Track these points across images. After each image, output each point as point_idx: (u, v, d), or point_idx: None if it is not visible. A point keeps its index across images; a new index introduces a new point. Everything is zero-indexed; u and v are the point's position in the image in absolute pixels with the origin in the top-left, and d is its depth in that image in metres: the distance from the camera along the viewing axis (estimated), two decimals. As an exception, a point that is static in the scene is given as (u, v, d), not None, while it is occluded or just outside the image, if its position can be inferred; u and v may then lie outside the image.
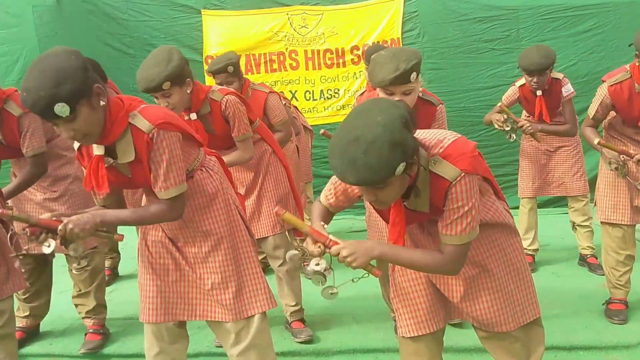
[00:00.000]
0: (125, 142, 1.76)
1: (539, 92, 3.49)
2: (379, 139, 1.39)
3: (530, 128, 3.47)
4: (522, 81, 3.61)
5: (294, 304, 3.00)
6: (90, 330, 2.95)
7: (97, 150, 1.77)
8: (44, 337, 3.07)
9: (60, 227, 1.70)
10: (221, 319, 2.00)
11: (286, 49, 5.37)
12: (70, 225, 1.70)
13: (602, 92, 2.85)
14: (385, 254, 1.63)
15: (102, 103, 1.68)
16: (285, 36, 5.35)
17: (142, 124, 1.74)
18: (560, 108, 3.59)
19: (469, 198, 1.55)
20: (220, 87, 2.75)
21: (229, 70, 3.09)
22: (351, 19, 5.30)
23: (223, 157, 2.56)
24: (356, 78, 5.35)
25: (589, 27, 5.12)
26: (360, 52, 5.31)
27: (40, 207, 2.89)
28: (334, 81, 5.39)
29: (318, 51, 5.35)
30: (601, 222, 3.01)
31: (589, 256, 3.79)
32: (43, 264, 2.98)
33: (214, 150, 2.20)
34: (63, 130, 1.66)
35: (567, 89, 3.54)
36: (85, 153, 1.86)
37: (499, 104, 3.61)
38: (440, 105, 2.50)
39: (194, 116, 2.58)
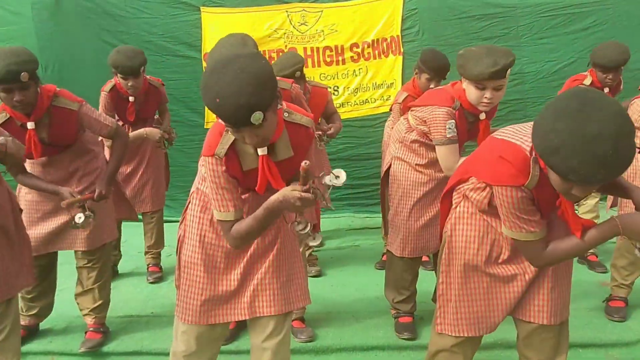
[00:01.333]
0: (284, 140, 1.75)
1: (606, 89, 3.43)
2: (624, 130, 1.34)
3: None
4: (589, 80, 3.49)
5: None
6: (91, 329, 2.95)
7: (262, 150, 1.71)
8: (44, 335, 3.06)
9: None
10: (269, 312, 1.92)
11: (285, 46, 5.35)
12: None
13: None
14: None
15: (279, 107, 1.65)
16: (285, 33, 5.33)
17: (304, 120, 1.77)
18: None
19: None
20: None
21: (296, 75, 3.16)
22: (350, 16, 5.29)
23: None
24: (355, 75, 5.34)
25: (588, 24, 5.12)
26: (359, 50, 5.30)
27: (54, 205, 2.85)
28: (334, 78, 5.38)
29: (317, 48, 5.33)
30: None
31: (589, 254, 3.80)
32: (50, 266, 2.97)
33: None
34: (247, 136, 1.61)
35: (622, 86, 3.56)
36: (234, 156, 1.76)
37: None
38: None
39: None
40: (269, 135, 1.66)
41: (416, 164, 2.77)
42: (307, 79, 3.50)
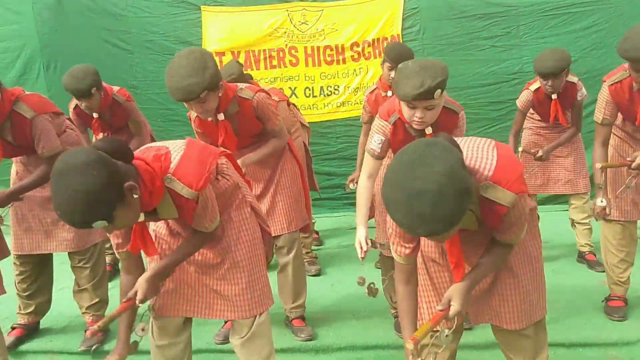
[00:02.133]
0: (167, 204, 1.78)
1: (554, 96, 3.47)
2: (445, 190, 1.33)
3: (544, 157, 3.59)
4: (536, 85, 3.56)
5: (298, 302, 3.00)
6: (90, 327, 2.95)
7: (141, 217, 1.76)
8: (44, 334, 3.07)
9: (137, 303, 1.85)
10: (232, 317, 2.05)
11: (286, 45, 5.35)
12: (147, 296, 1.84)
13: (604, 94, 2.80)
14: (474, 284, 1.70)
15: (135, 196, 1.63)
16: (285, 32, 5.33)
17: (184, 191, 1.75)
18: (569, 109, 3.60)
19: (524, 211, 1.62)
20: (247, 84, 2.73)
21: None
22: (351, 15, 5.29)
23: (260, 150, 2.68)
24: (356, 75, 5.34)
25: (590, 23, 5.11)
26: (360, 49, 5.30)
27: (40, 206, 2.88)
28: (334, 78, 5.38)
29: (318, 47, 5.33)
30: (604, 220, 3.01)
31: (587, 253, 3.80)
32: (43, 262, 2.98)
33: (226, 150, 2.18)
34: (108, 229, 1.66)
35: (582, 94, 3.55)
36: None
37: (521, 150, 3.65)
38: (462, 112, 2.44)
39: (221, 117, 2.53)
40: (127, 224, 1.70)
41: (387, 164, 2.77)
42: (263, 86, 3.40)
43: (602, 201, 2.81)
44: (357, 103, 5.34)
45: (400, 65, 2.22)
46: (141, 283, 1.83)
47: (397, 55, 3.15)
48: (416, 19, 5.22)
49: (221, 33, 5.34)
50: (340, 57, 5.33)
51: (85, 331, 2.95)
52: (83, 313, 2.99)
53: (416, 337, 1.56)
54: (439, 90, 2.08)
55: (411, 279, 1.81)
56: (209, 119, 2.52)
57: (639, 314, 3.01)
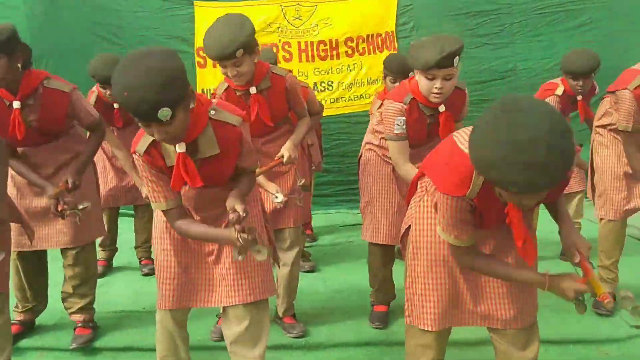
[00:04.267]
0: (208, 137, 1.78)
1: (579, 97, 3.44)
2: (556, 130, 1.30)
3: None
4: (561, 89, 3.46)
5: (290, 299, 3.00)
6: (79, 325, 2.93)
7: (180, 147, 1.74)
8: (35, 331, 3.04)
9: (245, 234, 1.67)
10: (237, 302, 2.00)
11: (279, 40, 5.33)
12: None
13: (628, 100, 2.76)
14: None
15: (191, 105, 1.67)
16: (279, 28, 5.31)
17: (232, 119, 1.79)
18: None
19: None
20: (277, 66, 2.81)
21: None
22: (345, 11, 5.27)
23: (298, 130, 2.74)
24: (350, 70, 5.33)
25: (583, 21, 5.13)
26: (354, 44, 5.29)
27: (40, 200, 2.83)
28: (328, 73, 5.37)
29: (312, 43, 5.32)
30: (601, 220, 3.04)
31: None
32: (40, 259, 2.95)
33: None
34: (156, 131, 1.64)
35: (597, 91, 3.56)
36: (156, 153, 1.81)
37: None
38: (466, 88, 2.54)
39: (253, 90, 2.57)
40: (178, 133, 1.68)
41: (383, 154, 2.82)
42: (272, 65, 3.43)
43: None
44: (351, 99, 5.33)
45: (413, 42, 2.30)
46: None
47: (398, 66, 3.19)
48: (410, 16, 5.22)
49: (214, 28, 5.32)
50: (334, 53, 5.32)
51: (75, 329, 2.93)
52: (72, 312, 2.96)
53: (607, 294, 1.59)
54: (457, 58, 2.15)
55: (479, 251, 1.78)
56: (238, 93, 2.56)
57: (630, 311, 3.03)
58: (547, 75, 5.08)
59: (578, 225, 3.82)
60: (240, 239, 1.66)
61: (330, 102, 5.39)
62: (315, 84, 5.38)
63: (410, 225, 1.94)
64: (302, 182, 2.80)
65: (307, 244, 4.37)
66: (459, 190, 1.61)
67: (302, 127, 2.77)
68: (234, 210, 1.69)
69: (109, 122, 3.59)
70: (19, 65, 2.54)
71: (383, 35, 5.25)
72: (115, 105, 3.55)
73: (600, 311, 3.00)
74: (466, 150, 1.54)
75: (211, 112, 1.78)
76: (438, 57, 2.11)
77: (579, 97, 3.44)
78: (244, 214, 1.68)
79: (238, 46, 2.33)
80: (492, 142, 1.35)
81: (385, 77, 3.39)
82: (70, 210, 2.48)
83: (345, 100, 5.36)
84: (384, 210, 2.86)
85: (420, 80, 2.26)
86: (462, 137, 1.67)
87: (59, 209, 2.48)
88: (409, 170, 2.43)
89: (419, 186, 1.93)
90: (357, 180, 4.90)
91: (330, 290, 3.55)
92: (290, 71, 2.74)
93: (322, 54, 5.33)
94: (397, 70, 3.14)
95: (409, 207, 1.98)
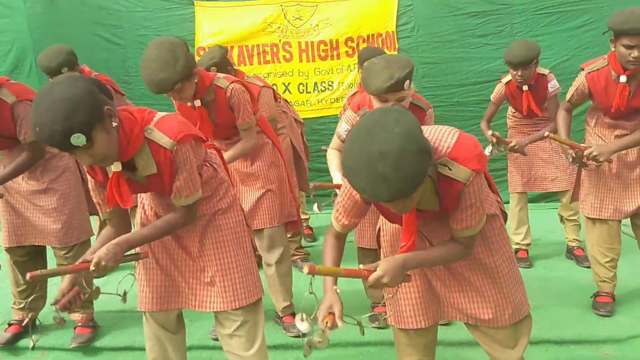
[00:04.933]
0: (145, 156, 1.77)
1: (525, 87, 3.51)
2: (406, 149, 1.34)
3: (517, 147, 3.56)
4: (508, 77, 3.63)
5: (285, 300, 3.00)
6: (79, 324, 2.94)
7: (115, 167, 1.76)
8: (35, 330, 3.04)
9: (92, 267, 1.72)
10: (218, 309, 2.03)
11: (280, 40, 5.33)
12: (102, 263, 1.72)
13: (579, 80, 2.87)
14: (412, 263, 1.65)
15: (114, 124, 1.66)
16: (279, 27, 5.31)
17: (163, 140, 1.76)
18: (545, 104, 3.61)
19: (480, 195, 1.59)
20: (225, 74, 2.74)
21: (211, 71, 3.04)
22: (345, 11, 5.27)
23: (227, 152, 2.63)
24: (350, 70, 5.33)
25: (583, 22, 5.12)
26: (354, 44, 5.29)
27: (26, 199, 2.85)
28: (328, 73, 5.37)
29: (312, 43, 5.32)
30: (587, 218, 3.03)
31: (575, 248, 3.84)
32: (38, 257, 2.96)
33: (213, 143, 2.19)
34: (81, 157, 1.65)
35: (553, 85, 3.57)
36: (98, 168, 1.84)
37: (491, 133, 3.60)
38: (430, 109, 2.57)
39: (198, 103, 2.57)
40: (106, 155, 1.68)
41: None
42: (246, 75, 3.42)
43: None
44: (351, 100, 5.33)
45: (365, 64, 2.30)
46: (102, 249, 1.75)
47: (370, 57, 3.18)
48: (410, 16, 5.22)
49: (214, 28, 5.32)
50: (335, 53, 5.32)
51: (75, 328, 2.94)
52: (70, 313, 2.96)
53: (315, 266, 1.58)
54: (407, 81, 2.17)
55: (342, 237, 1.82)
56: (188, 104, 2.58)
57: (629, 311, 3.03)
58: (547, 76, 5.11)
59: (576, 223, 3.82)
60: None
61: (331, 102, 5.39)
62: (315, 83, 5.38)
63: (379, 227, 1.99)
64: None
65: (306, 244, 4.37)
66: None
67: (232, 151, 2.69)
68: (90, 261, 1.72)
69: None
70: None
71: (383, 35, 5.25)
72: None
73: (599, 312, 3.00)
74: None
75: (147, 131, 1.76)
76: (387, 84, 2.14)
77: (525, 88, 3.51)
78: (92, 268, 1.71)
79: (174, 82, 2.32)
80: (350, 150, 1.42)
81: (359, 69, 3.41)
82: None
83: (343, 107, 5.35)
84: (369, 213, 2.84)
85: (373, 101, 2.31)
86: None
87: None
88: (331, 155, 2.65)
89: None
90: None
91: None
92: (237, 81, 2.66)
93: (323, 54, 5.33)
94: None
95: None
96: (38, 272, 1.72)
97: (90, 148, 1.61)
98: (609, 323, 2.93)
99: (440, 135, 1.59)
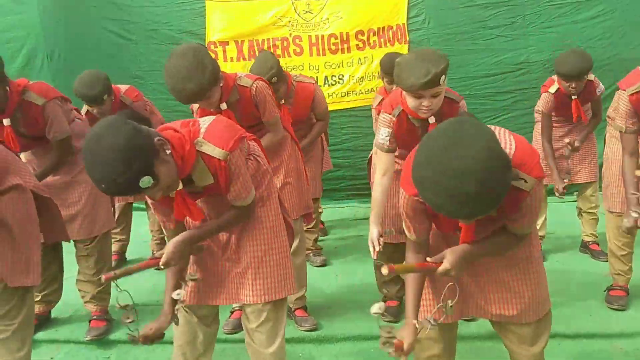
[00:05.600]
0: (200, 169, 1.79)
1: (574, 96, 3.46)
2: (490, 167, 1.29)
3: (578, 146, 3.55)
4: (555, 87, 3.53)
5: (300, 292, 3.01)
6: (94, 317, 2.97)
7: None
8: (50, 323, 3.08)
9: (161, 265, 1.82)
10: (248, 301, 2.02)
11: (290, 34, 5.32)
12: (172, 261, 1.83)
13: (623, 102, 2.64)
14: (473, 254, 1.66)
15: (167, 152, 1.66)
16: (289, 21, 5.30)
17: (216, 152, 1.78)
18: (587, 105, 3.61)
19: (540, 198, 1.62)
20: (245, 73, 2.75)
21: (273, 81, 3.08)
22: (356, 3, 5.24)
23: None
24: (361, 64, 5.31)
25: (596, 13, 5.06)
26: (365, 38, 5.26)
27: (52, 193, 2.87)
28: (339, 67, 5.35)
29: (322, 36, 5.29)
30: (608, 212, 3.00)
31: (591, 243, 3.81)
32: (54, 251, 2.99)
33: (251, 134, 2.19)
34: (152, 195, 1.68)
35: (600, 89, 3.55)
36: None
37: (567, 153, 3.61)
38: (462, 100, 2.46)
39: (224, 106, 2.55)
40: (170, 183, 1.70)
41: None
42: (294, 75, 3.48)
43: (636, 212, 2.57)
44: (362, 93, 5.31)
45: (398, 60, 2.24)
46: (168, 246, 1.83)
47: (391, 70, 3.17)
48: (421, 8, 5.18)
49: (225, 22, 5.32)
50: (345, 46, 5.29)
51: (90, 321, 2.97)
52: (87, 302, 3.00)
53: (394, 266, 1.56)
54: (443, 77, 2.12)
55: (422, 250, 1.79)
56: (212, 109, 2.54)
57: (643, 305, 3.01)
58: (560, 68, 5.05)
59: (594, 217, 3.79)
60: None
61: (342, 96, 5.38)
62: (326, 77, 5.36)
63: None
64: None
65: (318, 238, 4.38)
66: (410, 189, 1.61)
67: (264, 141, 2.66)
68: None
69: None
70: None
71: (394, 28, 5.21)
72: None
73: (613, 306, 2.98)
74: None
75: (197, 144, 1.77)
76: (424, 80, 2.09)
77: (574, 97, 3.47)
78: (162, 266, 1.81)
79: (205, 92, 2.31)
80: (426, 161, 1.35)
81: (382, 78, 3.41)
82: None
83: (356, 94, 5.34)
84: (392, 210, 2.82)
85: (408, 97, 2.25)
86: None
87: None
88: (379, 181, 2.48)
89: None
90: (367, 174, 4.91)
91: (341, 284, 3.56)
92: (259, 78, 2.68)
93: (333, 48, 5.31)
94: (391, 71, 3.15)
95: None
96: (112, 273, 1.81)
97: (157, 184, 1.63)
98: (623, 317, 2.91)
99: (500, 140, 1.53)
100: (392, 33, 5.22)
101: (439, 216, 1.69)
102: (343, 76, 5.35)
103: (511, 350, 1.93)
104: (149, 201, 1.95)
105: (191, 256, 2.05)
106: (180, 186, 1.78)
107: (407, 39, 5.19)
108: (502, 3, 5.13)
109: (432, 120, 2.31)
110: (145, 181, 1.56)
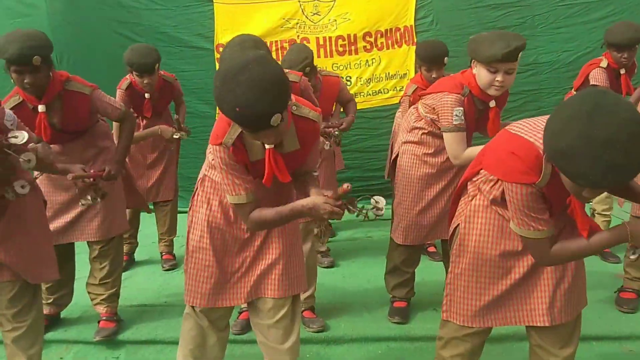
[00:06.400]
0: (291, 134, 1.80)
1: (622, 71, 3.42)
2: (634, 137, 1.30)
3: None
4: (605, 62, 3.49)
5: (308, 292, 3.01)
6: (104, 318, 2.98)
7: (269, 144, 1.77)
8: (59, 324, 3.10)
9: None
10: (277, 295, 2.01)
11: (298, 36, 5.32)
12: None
13: None
14: None
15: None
16: (297, 23, 5.31)
17: (312, 114, 1.82)
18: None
19: None
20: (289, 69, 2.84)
21: (306, 71, 3.13)
22: (363, 5, 5.24)
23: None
24: (368, 66, 5.31)
25: (606, 14, 5.03)
26: (372, 39, 5.27)
27: (61, 195, 2.87)
28: (346, 69, 5.35)
29: (330, 38, 5.30)
30: (633, 216, 2.97)
31: None
32: (68, 253, 3.00)
33: None
34: (268, 136, 1.66)
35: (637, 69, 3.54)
36: (241, 146, 1.81)
37: None
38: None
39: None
40: (285, 132, 1.71)
41: (423, 153, 2.78)
42: (318, 69, 3.51)
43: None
44: (370, 94, 5.32)
45: (473, 37, 2.33)
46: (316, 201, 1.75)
47: (429, 56, 3.39)
48: (429, 9, 5.17)
49: (233, 25, 5.33)
50: (353, 48, 5.30)
51: (100, 321, 2.98)
52: (97, 304, 3.01)
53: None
54: (520, 53, 2.19)
55: (552, 243, 1.72)
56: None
57: (654, 308, 2.99)
58: (569, 69, 5.03)
59: (607, 219, 3.76)
60: (331, 213, 1.71)
61: (349, 98, 5.37)
62: (333, 79, 5.36)
63: (458, 224, 1.93)
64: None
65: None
66: (529, 178, 1.58)
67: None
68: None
69: (137, 111, 3.67)
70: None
71: (402, 29, 5.21)
72: (147, 95, 3.65)
73: (623, 309, 2.96)
74: (531, 139, 1.58)
75: (293, 107, 1.79)
76: (505, 50, 2.14)
77: (622, 71, 3.41)
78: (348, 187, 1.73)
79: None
80: (571, 133, 1.34)
81: (419, 67, 3.43)
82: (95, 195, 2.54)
83: (364, 96, 5.34)
84: (414, 212, 2.83)
85: (481, 72, 2.29)
86: (518, 127, 1.67)
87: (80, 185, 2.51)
88: (470, 154, 2.42)
89: (469, 186, 1.91)
90: (376, 176, 4.91)
91: (349, 285, 3.55)
92: (299, 73, 2.78)
93: (341, 49, 5.31)
94: (429, 59, 3.28)
95: (459, 206, 1.97)
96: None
97: (279, 126, 1.62)
98: (633, 319, 2.90)
99: None
100: (399, 35, 5.22)
101: (551, 202, 1.66)
102: (351, 78, 5.35)
103: (544, 354, 1.91)
104: (228, 167, 1.81)
105: (212, 258, 2.01)
106: (273, 144, 1.75)
107: (415, 40, 5.18)
108: (511, 4, 5.11)
109: (492, 104, 2.38)
110: (277, 119, 1.57)
